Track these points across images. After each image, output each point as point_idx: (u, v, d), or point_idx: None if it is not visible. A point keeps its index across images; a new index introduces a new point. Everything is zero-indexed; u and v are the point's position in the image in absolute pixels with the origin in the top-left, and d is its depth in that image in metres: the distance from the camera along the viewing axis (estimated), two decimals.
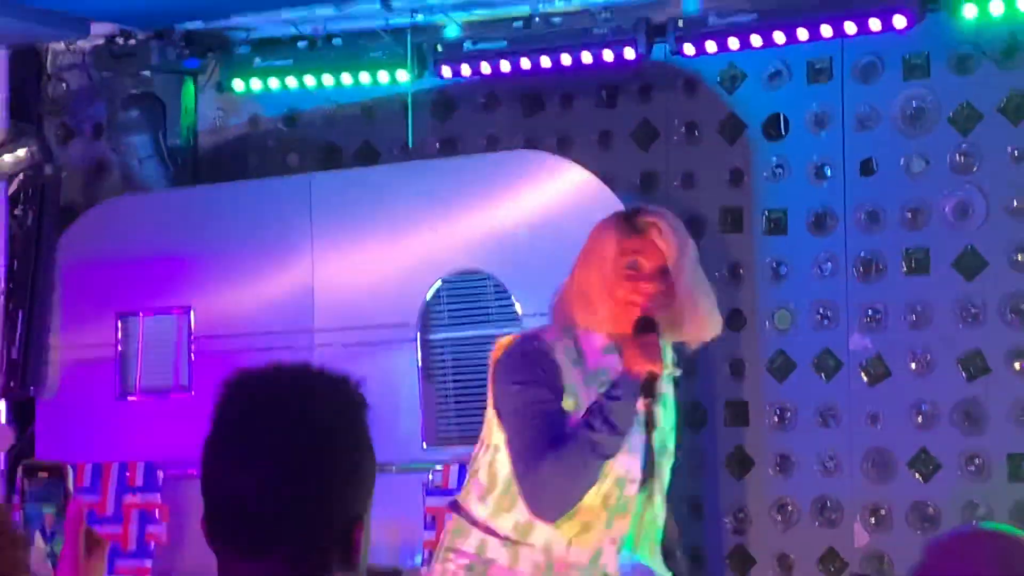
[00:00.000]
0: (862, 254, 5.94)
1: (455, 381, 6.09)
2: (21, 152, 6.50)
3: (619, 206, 5.87)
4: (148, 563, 6.08)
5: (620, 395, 3.25)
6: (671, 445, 3.46)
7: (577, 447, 3.23)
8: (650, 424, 3.31)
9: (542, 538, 3.33)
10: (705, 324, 3.41)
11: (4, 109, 6.66)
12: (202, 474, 1.83)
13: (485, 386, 5.65)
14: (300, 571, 1.78)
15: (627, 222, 3.36)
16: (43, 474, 1.72)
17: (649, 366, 3.25)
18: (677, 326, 3.35)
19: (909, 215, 5.88)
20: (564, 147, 6.38)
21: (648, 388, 3.28)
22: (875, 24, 5.70)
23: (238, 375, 1.86)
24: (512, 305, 5.96)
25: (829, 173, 6.01)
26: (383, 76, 6.51)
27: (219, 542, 1.80)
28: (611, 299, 3.30)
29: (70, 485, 1.78)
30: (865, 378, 5.90)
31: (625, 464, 3.32)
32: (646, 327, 3.28)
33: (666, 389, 3.43)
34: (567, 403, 3.32)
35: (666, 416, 3.44)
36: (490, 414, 3.37)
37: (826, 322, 5.97)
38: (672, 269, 3.31)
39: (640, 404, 3.28)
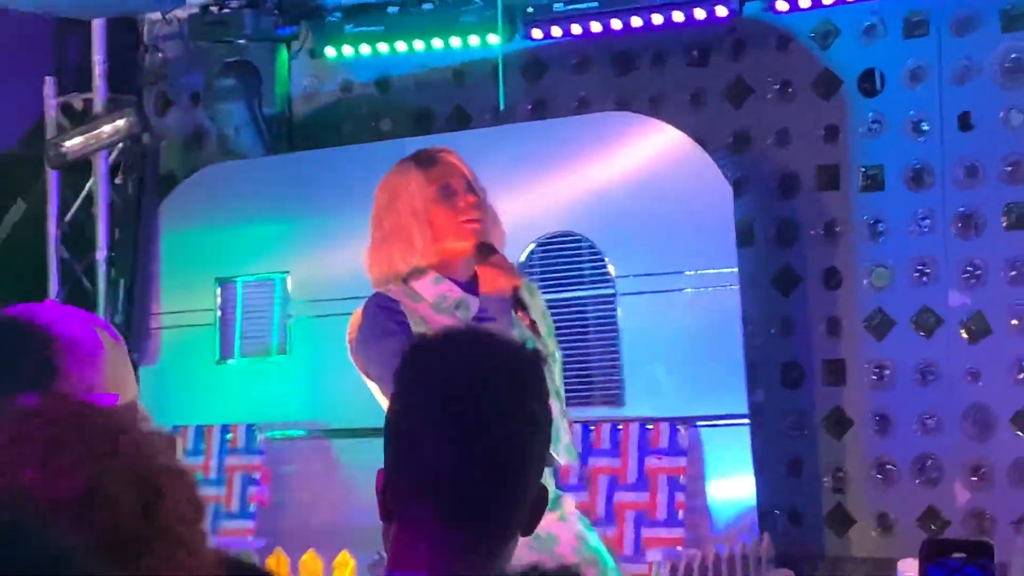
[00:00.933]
0: (960, 210, 5.85)
1: None
2: (120, 122, 6.59)
3: (712, 166, 5.85)
4: (250, 524, 6.18)
5: (494, 316, 3.32)
6: (556, 352, 3.48)
7: None
8: (536, 332, 3.35)
9: None
10: (502, 231, 3.50)
11: (103, 80, 6.76)
12: (391, 442, 1.83)
13: (579, 348, 5.68)
14: (497, 535, 1.80)
15: (418, 159, 3.48)
16: None
17: (512, 281, 3.36)
18: (488, 237, 3.45)
19: (1008, 169, 5.78)
20: (656, 107, 6.35)
21: (519, 302, 3.36)
22: None
23: (421, 344, 1.87)
24: (605, 266, 5.96)
25: (926, 128, 5.93)
26: (474, 40, 6.51)
27: (406, 509, 1.80)
28: (430, 227, 3.37)
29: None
30: (965, 335, 5.83)
31: None
32: (487, 249, 3.40)
33: (533, 297, 3.48)
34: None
35: (545, 324, 3.46)
36: (371, 386, 3.40)
37: (925, 279, 5.91)
38: (473, 181, 3.44)
39: (520, 317, 3.35)
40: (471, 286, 3.44)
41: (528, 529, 1.84)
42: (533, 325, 3.36)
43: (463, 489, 1.78)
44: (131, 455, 1.32)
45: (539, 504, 1.84)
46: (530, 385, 1.84)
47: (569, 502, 3.42)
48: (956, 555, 1.88)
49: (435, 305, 3.40)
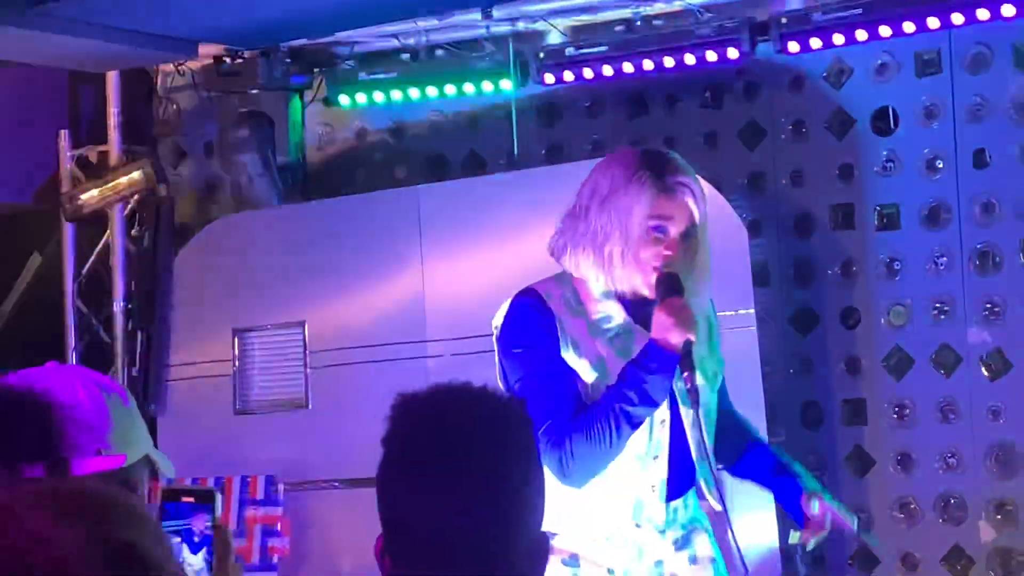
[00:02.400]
0: (978, 246, 5.84)
1: None
2: (136, 174, 6.61)
3: (727, 207, 5.84)
4: None
5: (656, 368, 3.08)
6: (713, 400, 3.32)
7: (606, 418, 3.09)
8: (695, 399, 3.10)
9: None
10: (709, 280, 3.28)
11: (118, 132, 6.79)
12: (382, 501, 1.82)
13: None
14: None
15: (658, 180, 3.16)
16: (188, 499, 1.76)
17: (685, 334, 3.08)
18: (693, 283, 3.21)
19: None
20: (671, 147, 6.34)
21: (687, 360, 3.08)
22: (983, 14, 5.60)
23: (409, 400, 1.85)
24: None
25: (941, 166, 5.92)
26: (487, 85, 6.53)
27: (403, 569, 1.80)
28: (633, 260, 3.15)
29: (219, 510, 1.80)
30: (986, 372, 5.80)
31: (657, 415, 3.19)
32: (671, 288, 3.12)
33: (711, 345, 3.32)
34: (568, 356, 3.19)
35: (709, 385, 3.29)
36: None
37: (943, 317, 5.88)
38: (698, 233, 3.19)
39: (684, 378, 3.08)
40: (642, 313, 3.20)
41: None
42: (694, 390, 3.10)
43: (458, 554, 1.77)
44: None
45: (541, 552, 1.83)
46: (515, 440, 1.83)
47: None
48: None
49: (593, 325, 3.21)
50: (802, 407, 6.11)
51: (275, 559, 6.21)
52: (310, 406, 6.47)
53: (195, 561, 1.98)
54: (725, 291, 5.71)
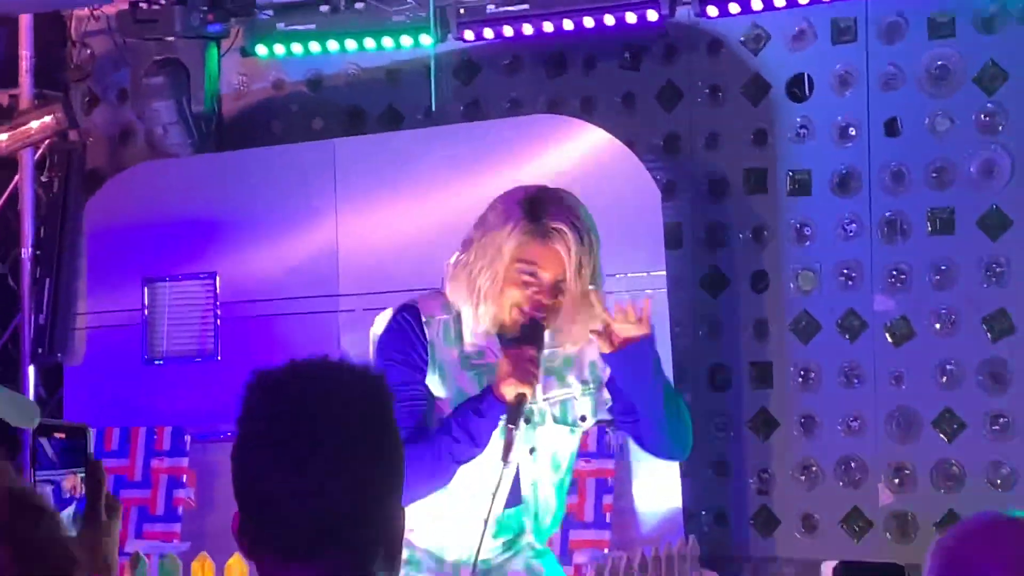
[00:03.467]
0: (887, 214, 5.92)
1: None
2: (47, 119, 6.52)
3: (642, 170, 5.88)
4: (176, 527, 6.14)
5: (483, 412, 3.11)
6: (554, 471, 3.30)
7: (431, 447, 3.13)
8: (506, 454, 3.09)
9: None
10: (590, 322, 3.21)
11: (29, 76, 6.68)
12: (240, 480, 1.80)
13: None
14: (347, 573, 1.76)
15: (532, 220, 3.16)
16: (60, 435, 1.74)
17: (520, 387, 3.08)
18: (567, 324, 3.20)
19: (934, 175, 5.86)
20: (587, 110, 6.38)
21: (514, 413, 3.08)
22: None
23: (264, 376, 1.82)
24: None
25: (853, 133, 5.99)
26: (406, 40, 6.50)
27: (262, 547, 1.78)
28: (500, 298, 3.17)
29: (91, 447, 1.78)
30: (890, 338, 5.89)
31: (486, 477, 3.18)
32: (527, 337, 3.13)
33: (577, 406, 3.28)
34: (432, 382, 3.22)
35: (557, 437, 3.27)
36: None
37: (850, 283, 5.97)
38: (568, 283, 3.15)
39: (508, 429, 3.09)
40: None
41: (391, 566, 1.81)
42: (508, 446, 3.08)
43: (318, 535, 1.75)
44: None
45: (397, 530, 1.82)
46: (373, 414, 1.81)
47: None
48: None
49: (465, 358, 3.22)
50: (710, 369, 6.18)
51: (180, 510, 6.19)
52: (220, 357, 6.44)
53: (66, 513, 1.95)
54: (637, 253, 5.77)
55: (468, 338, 3.23)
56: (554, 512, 3.35)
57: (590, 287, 3.19)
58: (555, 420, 3.28)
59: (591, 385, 3.32)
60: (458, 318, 3.24)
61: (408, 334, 3.22)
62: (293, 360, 1.83)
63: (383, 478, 1.80)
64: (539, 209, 3.17)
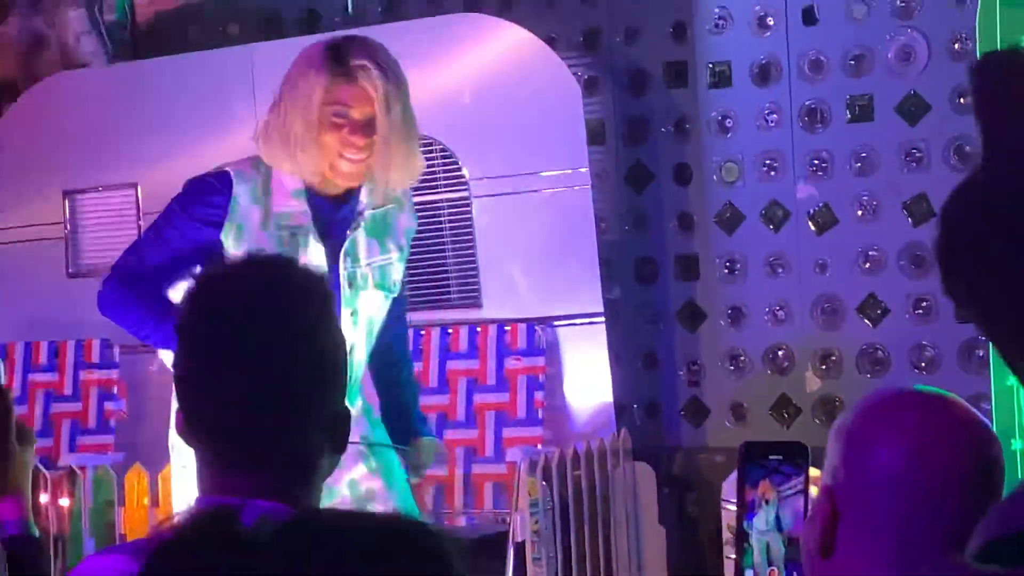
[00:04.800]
0: (807, 103, 5.95)
1: None
2: None
3: (562, 66, 5.86)
4: (109, 439, 6.13)
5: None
6: (369, 336, 3.39)
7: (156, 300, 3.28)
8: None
9: None
10: (409, 169, 3.32)
11: None
12: (184, 384, 1.83)
13: (436, 252, 5.68)
14: (292, 478, 1.79)
15: (337, 63, 3.20)
16: None
17: None
18: (382, 172, 3.27)
19: (852, 62, 5.88)
20: (506, 8, 6.33)
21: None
22: None
23: (205, 279, 1.86)
24: (460, 169, 5.96)
25: (772, 23, 5.99)
26: None
27: (208, 453, 1.80)
28: (315, 145, 3.20)
29: (2, 377, 1.75)
30: (813, 227, 5.95)
31: None
32: None
33: (393, 271, 3.40)
34: (227, 239, 3.26)
35: (375, 301, 3.37)
36: None
37: (773, 173, 6.00)
38: (379, 118, 3.20)
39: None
40: (330, 219, 3.28)
41: (338, 448, 1.84)
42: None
43: (249, 430, 1.78)
44: None
45: (342, 424, 1.85)
46: (311, 310, 1.83)
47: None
48: (773, 457, 1.95)
49: (269, 218, 3.26)
50: (636, 263, 6.21)
51: (112, 422, 6.18)
52: None
53: None
54: (560, 150, 5.77)
55: (277, 198, 3.26)
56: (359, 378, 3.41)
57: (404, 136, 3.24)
58: (375, 285, 3.36)
59: (404, 251, 3.45)
60: (267, 178, 3.27)
61: (207, 189, 3.30)
62: (239, 258, 1.88)
63: (323, 374, 1.82)
64: (343, 52, 3.22)
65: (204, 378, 1.80)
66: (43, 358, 6.28)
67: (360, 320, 3.34)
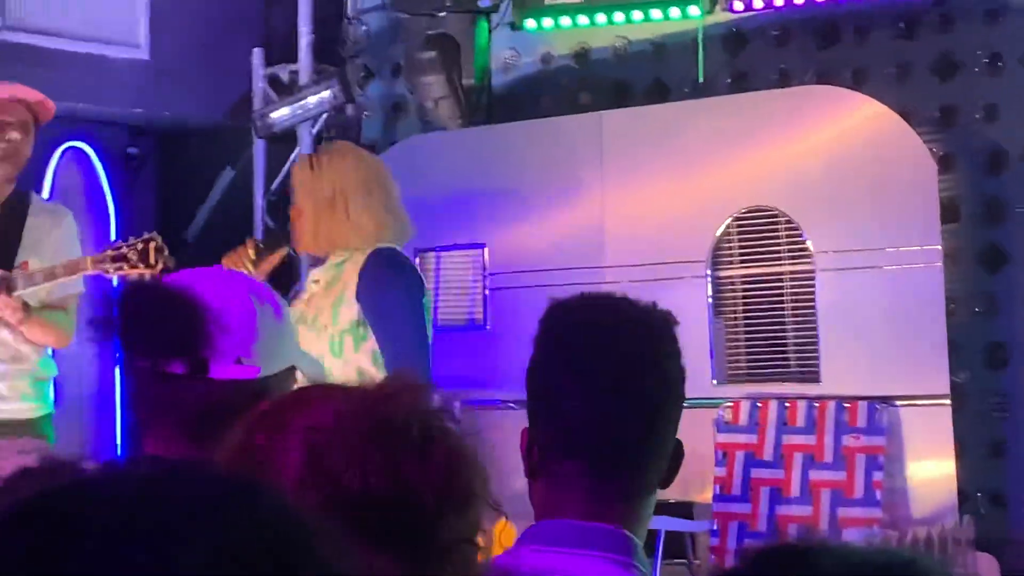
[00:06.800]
0: None
1: (746, 318, 6.05)
2: (325, 93, 6.72)
3: (916, 141, 5.72)
4: None
5: None
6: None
7: None
8: None
9: None
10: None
11: (309, 51, 6.90)
12: (539, 403, 1.90)
13: (775, 324, 5.64)
14: (642, 489, 1.86)
15: None
16: None
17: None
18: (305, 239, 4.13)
19: None
20: (859, 81, 6.23)
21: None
22: None
23: (563, 306, 1.93)
24: (804, 242, 5.88)
25: None
26: (674, 12, 6.47)
27: (564, 467, 1.86)
28: None
29: None
30: None
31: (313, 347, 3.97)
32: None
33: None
34: None
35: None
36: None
37: None
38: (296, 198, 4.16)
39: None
40: None
41: (667, 483, 1.91)
42: None
43: (610, 444, 1.84)
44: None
45: (677, 458, 1.90)
46: (664, 344, 1.89)
47: None
48: None
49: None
50: (987, 348, 5.98)
51: None
52: (487, 327, 6.54)
53: None
54: (911, 226, 5.63)
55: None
56: None
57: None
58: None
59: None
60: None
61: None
62: (584, 292, 1.96)
63: (671, 401, 1.89)
64: None
65: (558, 399, 1.87)
66: None
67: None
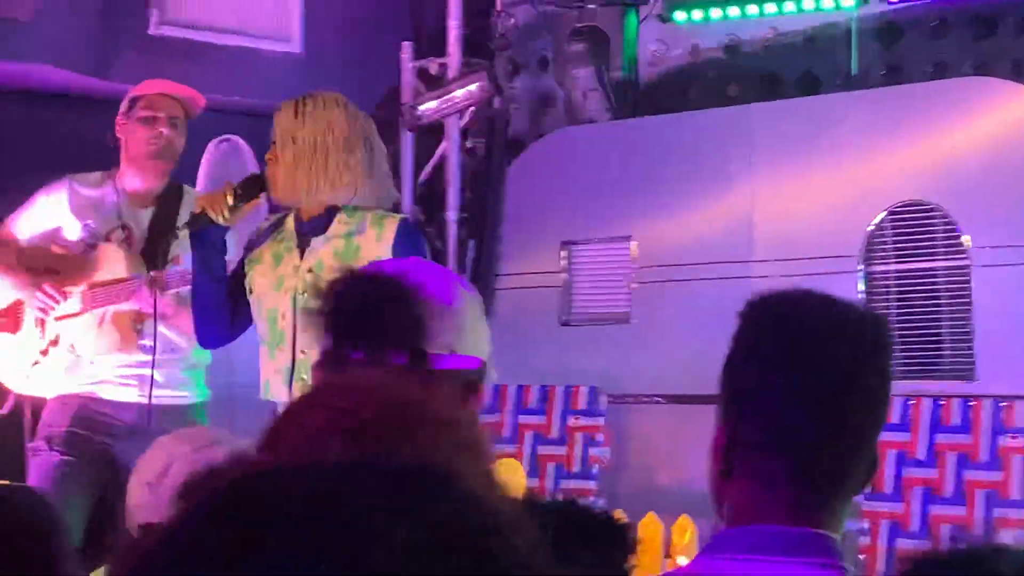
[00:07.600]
0: None
1: (899, 313, 5.93)
2: (473, 87, 6.74)
3: None
4: (592, 484, 6.26)
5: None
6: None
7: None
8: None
9: None
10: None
11: (457, 45, 6.93)
12: (742, 400, 1.84)
13: (930, 320, 5.51)
14: (843, 496, 1.80)
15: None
16: None
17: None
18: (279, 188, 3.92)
19: None
20: (1019, 72, 6.07)
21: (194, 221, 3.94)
22: None
23: (769, 301, 1.86)
24: (959, 237, 5.75)
25: None
26: (827, 3, 6.38)
27: (767, 466, 1.80)
28: None
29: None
30: None
31: (274, 300, 3.84)
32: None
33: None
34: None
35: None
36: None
37: None
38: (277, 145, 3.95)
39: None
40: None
41: (859, 491, 1.84)
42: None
43: (817, 448, 1.77)
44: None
45: (874, 463, 1.83)
46: (879, 350, 1.81)
47: None
48: None
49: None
50: None
51: (595, 468, 6.31)
52: (633, 321, 6.51)
53: None
54: None
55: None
56: None
57: None
58: None
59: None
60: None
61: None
62: (794, 287, 1.87)
63: (879, 410, 1.82)
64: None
65: (763, 397, 1.80)
66: (532, 401, 6.50)
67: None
